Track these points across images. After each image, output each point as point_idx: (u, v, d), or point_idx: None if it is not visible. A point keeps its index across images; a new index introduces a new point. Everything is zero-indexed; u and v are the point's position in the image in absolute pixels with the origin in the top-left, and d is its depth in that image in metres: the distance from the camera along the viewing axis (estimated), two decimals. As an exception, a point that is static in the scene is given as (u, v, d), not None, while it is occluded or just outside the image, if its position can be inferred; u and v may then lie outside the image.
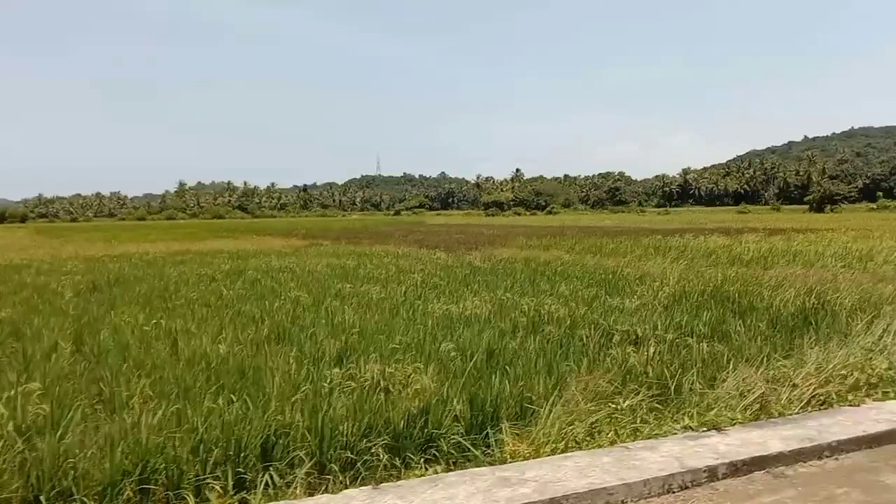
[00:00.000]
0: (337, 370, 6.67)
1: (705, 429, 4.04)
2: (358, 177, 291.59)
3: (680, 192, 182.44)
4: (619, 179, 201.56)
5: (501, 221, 69.91)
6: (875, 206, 78.81)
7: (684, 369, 6.28)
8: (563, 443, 4.31)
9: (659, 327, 8.49)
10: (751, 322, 8.90)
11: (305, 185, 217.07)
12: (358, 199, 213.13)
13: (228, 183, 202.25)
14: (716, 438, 3.79)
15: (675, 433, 4.07)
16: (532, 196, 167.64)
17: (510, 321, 9.28)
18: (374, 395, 5.93)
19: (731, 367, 6.14)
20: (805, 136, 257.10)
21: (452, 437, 5.39)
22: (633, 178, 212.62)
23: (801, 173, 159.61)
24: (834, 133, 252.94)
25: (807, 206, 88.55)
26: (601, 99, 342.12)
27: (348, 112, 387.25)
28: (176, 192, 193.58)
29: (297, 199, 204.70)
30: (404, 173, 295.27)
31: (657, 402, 5.57)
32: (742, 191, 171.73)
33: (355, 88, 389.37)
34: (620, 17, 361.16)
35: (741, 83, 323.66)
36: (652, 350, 6.74)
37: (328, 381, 6.37)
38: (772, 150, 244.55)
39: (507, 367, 7.05)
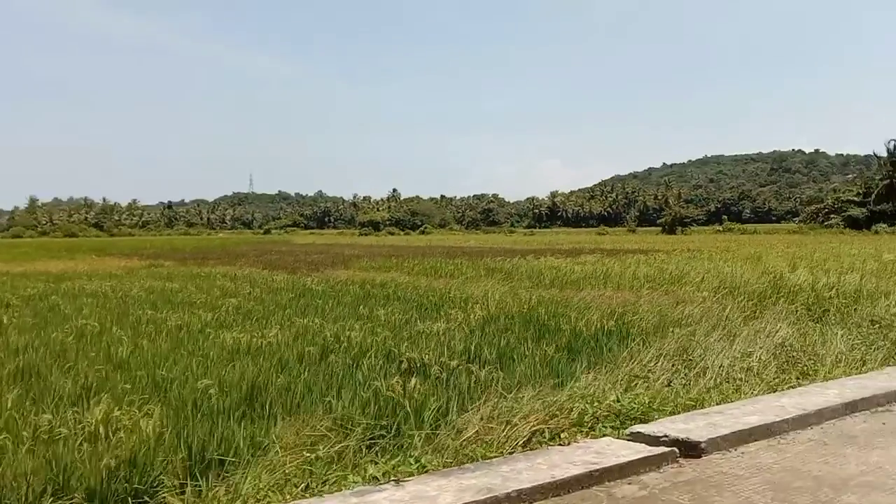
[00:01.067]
0: (49, 416, 5.83)
1: (389, 479, 3.62)
2: (230, 194, 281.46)
3: (549, 214, 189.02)
4: (492, 201, 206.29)
5: (369, 241, 69.30)
6: (721, 228, 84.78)
7: (438, 402, 5.94)
8: (242, 500, 3.76)
9: (445, 354, 8.18)
10: (543, 346, 8.79)
11: (171, 202, 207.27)
12: (228, 217, 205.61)
13: (85, 199, 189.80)
14: (387, 493, 3.37)
15: (355, 484, 3.62)
16: (408, 216, 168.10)
17: (297, 351, 8.70)
18: (79, 444, 5.19)
19: (482, 398, 5.84)
20: (664, 163, 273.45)
21: (162, 492, 4.76)
22: (507, 200, 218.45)
23: (658, 197, 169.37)
24: (690, 160, 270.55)
25: (660, 228, 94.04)
26: (480, 122, 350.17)
27: (221, 128, 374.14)
28: (26, 208, 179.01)
29: (161, 217, 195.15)
30: (279, 191, 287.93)
31: (401, 440, 5.16)
32: (605, 213, 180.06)
33: (228, 103, 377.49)
34: (499, 45, 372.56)
35: (608, 112, 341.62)
36: (414, 381, 6.34)
37: (34, 427, 5.54)
38: (634, 176, 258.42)
39: (267, 405, 6.50)
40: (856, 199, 73.38)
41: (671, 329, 9.35)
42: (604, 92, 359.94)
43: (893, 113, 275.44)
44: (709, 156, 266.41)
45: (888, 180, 70.78)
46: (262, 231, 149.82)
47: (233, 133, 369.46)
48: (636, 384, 6.57)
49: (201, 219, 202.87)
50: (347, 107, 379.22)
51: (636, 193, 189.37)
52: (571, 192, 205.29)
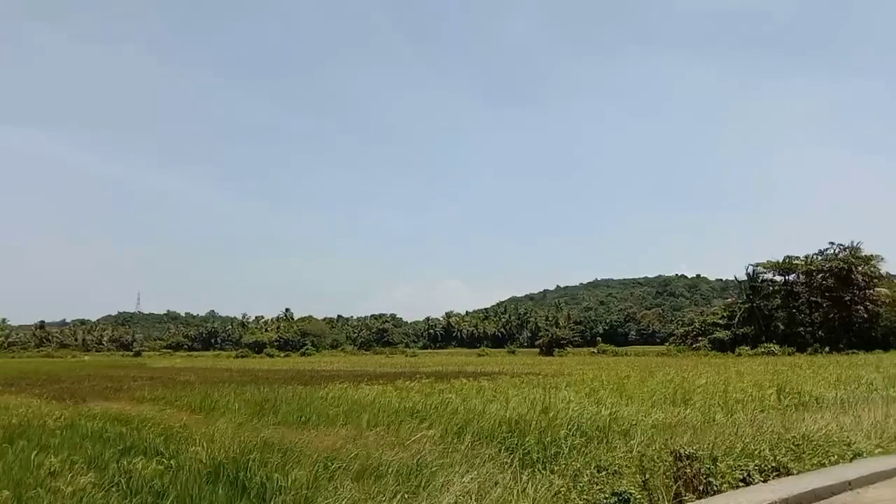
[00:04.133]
0: None
1: None
2: (115, 314, 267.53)
3: (444, 335, 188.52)
4: (387, 321, 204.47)
5: (230, 364, 65.25)
6: (595, 351, 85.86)
7: None
8: None
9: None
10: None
11: (43, 323, 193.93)
12: (105, 339, 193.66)
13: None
14: None
15: None
16: (298, 336, 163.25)
17: None
18: None
19: None
20: (557, 286, 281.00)
21: None
22: (405, 321, 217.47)
23: (549, 319, 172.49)
24: (581, 283, 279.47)
25: (538, 350, 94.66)
26: (383, 242, 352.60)
27: (109, 245, 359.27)
28: None
29: (32, 338, 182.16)
30: (168, 311, 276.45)
31: None
32: (499, 334, 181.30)
33: (117, 220, 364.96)
34: (385, 163, 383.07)
35: (507, 235, 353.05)
36: None
37: None
38: (530, 297, 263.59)
39: None
40: (721, 322, 76.29)
41: (349, 482, 7.69)
42: (502, 216, 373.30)
43: (763, 240, 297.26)
44: (599, 279, 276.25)
45: (749, 304, 74.15)
46: (131, 353, 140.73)
47: (122, 251, 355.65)
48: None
49: (76, 340, 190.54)
50: (244, 227, 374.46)
51: (528, 315, 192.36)
52: (467, 313, 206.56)
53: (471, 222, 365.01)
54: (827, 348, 65.23)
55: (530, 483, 7.89)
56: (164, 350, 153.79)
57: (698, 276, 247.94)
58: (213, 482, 8.62)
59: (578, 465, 8.68)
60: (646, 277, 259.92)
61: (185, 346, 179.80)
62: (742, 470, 7.84)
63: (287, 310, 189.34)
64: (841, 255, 71.60)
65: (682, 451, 8.05)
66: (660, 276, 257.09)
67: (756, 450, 9.38)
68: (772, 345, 65.80)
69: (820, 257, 73.36)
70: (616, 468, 8.69)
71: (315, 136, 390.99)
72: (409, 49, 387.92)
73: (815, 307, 72.70)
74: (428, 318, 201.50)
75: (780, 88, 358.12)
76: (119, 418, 15.40)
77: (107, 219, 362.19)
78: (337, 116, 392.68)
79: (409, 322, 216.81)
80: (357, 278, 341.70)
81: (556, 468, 8.80)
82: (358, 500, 7.26)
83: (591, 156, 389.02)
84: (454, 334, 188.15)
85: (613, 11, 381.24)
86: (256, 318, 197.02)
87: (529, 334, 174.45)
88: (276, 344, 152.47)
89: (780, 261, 75.49)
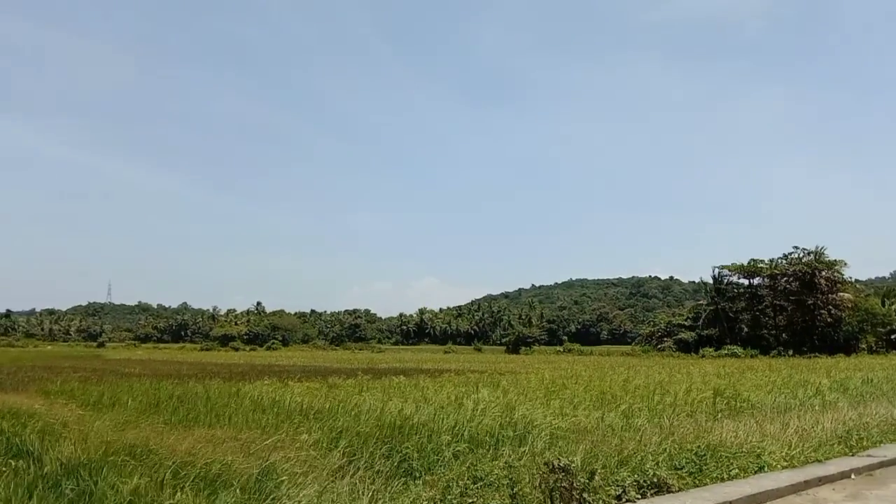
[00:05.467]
0: None
1: None
2: (85, 304, 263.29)
3: (416, 331, 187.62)
4: (360, 317, 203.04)
5: (191, 357, 63.93)
6: (561, 349, 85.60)
7: None
8: None
9: None
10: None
11: (9, 311, 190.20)
12: (73, 329, 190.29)
13: None
14: None
15: None
16: (268, 330, 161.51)
17: None
18: None
19: None
20: (532, 285, 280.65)
21: None
22: (380, 317, 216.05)
23: (522, 317, 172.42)
24: (556, 283, 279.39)
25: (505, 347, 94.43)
26: (360, 239, 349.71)
27: (81, 235, 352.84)
28: None
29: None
30: (139, 302, 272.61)
31: None
32: (472, 331, 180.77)
33: (90, 210, 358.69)
34: (363, 161, 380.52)
35: (482, 236, 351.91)
36: None
37: None
38: (505, 296, 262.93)
39: None
40: (686, 323, 76.30)
41: (182, 493, 6.89)
42: (479, 215, 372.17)
43: (736, 243, 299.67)
44: (574, 279, 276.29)
45: (714, 306, 74.16)
46: (95, 344, 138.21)
47: (93, 241, 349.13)
48: None
49: (42, 329, 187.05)
50: (222, 221, 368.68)
51: (501, 313, 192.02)
52: (440, 310, 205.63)
53: (448, 220, 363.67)
54: (791, 351, 65.35)
55: (399, 496, 7.14)
56: (131, 342, 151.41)
57: (671, 277, 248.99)
58: (53, 487, 7.80)
59: (455, 474, 7.94)
60: (620, 278, 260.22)
61: (154, 338, 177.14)
62: (618, 485, 7.12)
63: (258, 303, 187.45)
64: (805, 259, 71.77)
65: (555, 462, 7.31)
66: (634, 277, 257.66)
67: (656, 460, 8.71)
68: (735, 347, 65.78)
69: (785, 261, 73.46)
70: (494, 479, 7.96)
71: (293, 134, 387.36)
72: (387, 50, 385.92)
73: (780, 310, 72.81)
74: (401, 315, 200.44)
75: (754, 96, 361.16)
76: (11, 412, 14.44)
77: (79, 208, 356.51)
78: (314, 114, 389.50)
79: (383, 318, 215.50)
80: (334, 274, 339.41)
81: (429, 478, 8.06)
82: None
83: (568, 157, 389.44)
84: (427, 331, 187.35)
85: (591, 18, 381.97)
86: (228, 311, 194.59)
87: (502, 332, 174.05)
88: (245, 338, 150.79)
89: (746, 264, 75.56)
